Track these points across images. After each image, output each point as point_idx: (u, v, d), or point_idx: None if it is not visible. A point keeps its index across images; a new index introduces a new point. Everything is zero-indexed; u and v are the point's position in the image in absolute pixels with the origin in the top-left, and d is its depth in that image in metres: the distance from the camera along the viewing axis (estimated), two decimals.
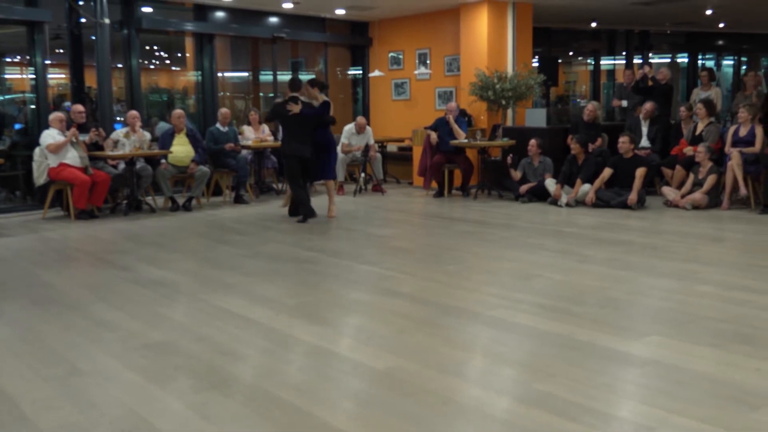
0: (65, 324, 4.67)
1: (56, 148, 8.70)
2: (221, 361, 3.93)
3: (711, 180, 8.97)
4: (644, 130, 10.38)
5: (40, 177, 8.90)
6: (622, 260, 6.25)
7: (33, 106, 10.10)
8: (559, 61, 16.02)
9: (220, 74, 12.63)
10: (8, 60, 11.55)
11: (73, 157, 8.81)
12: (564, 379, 3.57)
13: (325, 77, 13.57)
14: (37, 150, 8.90)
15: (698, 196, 8.96)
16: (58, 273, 6.20)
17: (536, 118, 10.93)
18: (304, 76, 13.92)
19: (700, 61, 18.20)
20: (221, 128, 10.33)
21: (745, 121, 9.22)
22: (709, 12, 13.42)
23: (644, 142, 10.29)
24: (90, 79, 10.73)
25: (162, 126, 10.82)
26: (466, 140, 10.49)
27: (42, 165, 8.84)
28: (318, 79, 9.15)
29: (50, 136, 8.80)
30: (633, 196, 8.98)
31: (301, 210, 8.59)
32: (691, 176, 9.21)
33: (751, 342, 4.07)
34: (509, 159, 10.13)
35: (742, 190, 8.80)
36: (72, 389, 3.57)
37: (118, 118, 10.80)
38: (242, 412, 3.28)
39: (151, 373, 3.78)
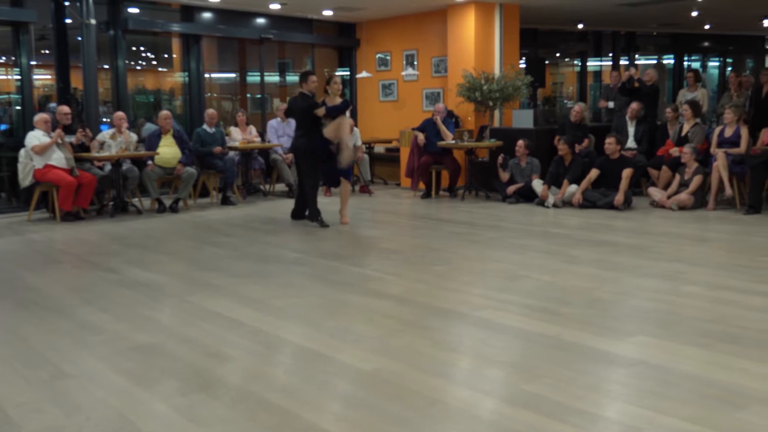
0: (50, 327, 4.64)
1: (41, 149, 8.65)
2: (208, 363, 3.91)
3: (697, 181, 9.01)
4: (631, 130, 10.44)
5: (25, 179, 8.84)
6: (609, 261, 6.27)
7: (18, 108, 10.04)
8: (546, 62, 16.09)
9: (207, 75, 12.59)
10: None
11: (58, 158, 8.75)
12: (551, 380, 3.57)
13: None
14: (22, 151, 8.84)
15: (684, 196, 9.00)
16: (43, 275, 6.16)
17: (523, 119, 10.96)
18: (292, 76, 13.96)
19: (686, 63, 18.30)
20: (208, 129, 10.29)
21: (730, 122, 9.27)
22: (694, 14, 13.50)
23: (631, 142, 10.34)
24: (76, 80, 10.67)
25: (148, 127, 10.78)
26: (453, 141, 10.50)
27: (27, 166, 8.79)
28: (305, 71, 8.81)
29: (35, 137, 8.74)
30: (619, 197, 9.02)
31: (311, 212, 8.32)
32: (677, 177, 9.26)
33: (737, 342, 4.09)
34: (500, 159, 10.15)
35: (728, 191, 8.86)
36: (57, 392, 3.54)
37: (104, 120, 10.74)
38: (229, 414, 3.27)
39: (138, 375, 3.76)
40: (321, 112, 8.07)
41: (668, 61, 18.26)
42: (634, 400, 3.35)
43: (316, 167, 8.32)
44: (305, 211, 8.47)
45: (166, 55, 13.78)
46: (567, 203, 9.43)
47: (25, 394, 3.53)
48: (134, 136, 9.65)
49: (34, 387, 3.62)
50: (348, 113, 8.40)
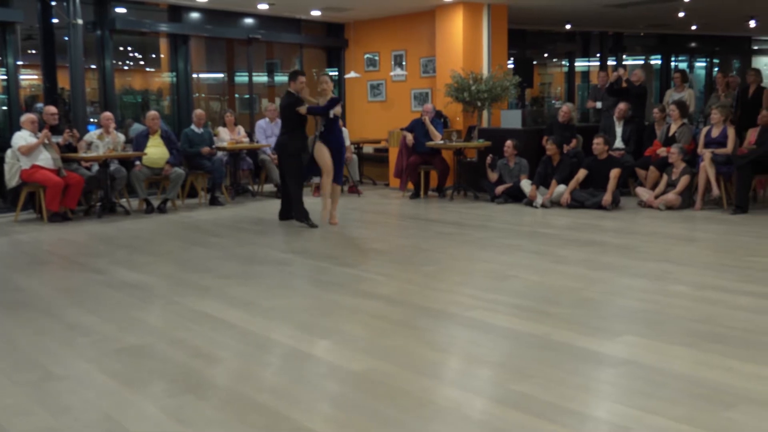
0: (38, 328, 4.62)
1: (28, 149, 8.60)
2: (197, 365, 3.90)
3: (684, 181, 9.06)
4: (618, 131, 10.47)
5: (11, 179, 8.78)
6: (597, 261, 6.29)
7: (5, 108, 9.98)
8: (534, 62, 16.13)
9: (195, 75, 12.56)
10: None
11: (45, 158, 8.71)
12: (540, 380, 3.58)
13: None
14: (8, 152, 8.79)
15: (671, 196, 9.04)
16: (31, 276, 6.12)
17: (512, 119, 10.99)
18: (280, 76, 13.94)
19: (673, 63, 18.40)
20: (196, 130, 10.26)
21: (717, 123, 9.32)
22: (681, 14, 13.57)
23: (618, 143, 10.38)
24: (63, 80, 10.62)
25: (136, 127, 10.73)
26: (442, 141, 10.51)
27: (14, 167, 8.73)
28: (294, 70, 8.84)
29: (22, 137, 8.69)
30: (607, 197, 9.05)
31: (298, 212, 8.22)
32: (665, 177, 9.30)
33: (724, 341, 4.11)
34: (489, 159, 10.17)
35: (715, 191, 8.91)
36: (45, 394, 3.52)
37: (91, 120, 10.69)
38: (218, 415, 3.26)
39: (126, 377, 3.74)
40: (303, 110, 8.05)
41: (655, 61, 18.36)
42: (623, 399, 3.36)
43: (300, 166, 8.29)
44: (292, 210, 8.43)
45: (153, 55, 13.72)
46: (555, 203, 9.45)
47: (12, 396, 3.51)
48: (122, 137, 9.62)
49: (22, 388, 3.60)
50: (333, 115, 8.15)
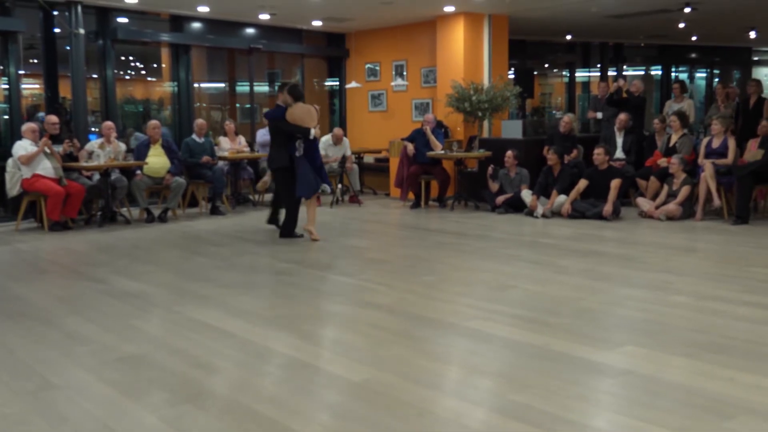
0: (37, 337, 4.61)
1: (28, 159, 8.61)
2: (196, 374, 3.89)
3: (685, 191, 9.06)
4: (619, 141, 10.49)
5: (12, 188, 8.79)
6: (597, 271, 6.29)
7: (6, 117, 10.00)
8: (535, 73, 16.18)
9: (196, 85, 12.58)
10: None
11: (46, 168, 8.72)
12: (540, 390, 3.57)
13: (302, 88, 13.56)
14: (10, 161, 8.80)
15: (672, 207, 9.04)
16: (30, 285, 6.12)
17: (512, 129, 11.00)
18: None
19: (673, 74, 18.43)
20: (197, 139, 10.27)
21: (718, 133, 9.33)
22: (681, 25, 13.61)
23: (619, 153, 10.39)
24: (64, 90, 10.64)
25: (137, 137, 10.75)
26: (442, 151, 10.52)
27: (15, 176, 8.74)
28: (287, 83, 8.44)
29: (22, 147, 8.70)
30: (608, 207, 9.05)
31: (288, 228, 8.09)
32: (665, 187, 9.30)
33: (724, 351, 4.11)
34: (490, 169, 10.18)
35: (716, 202, 8.91)
36: (43, 403, 3.52)
37: (92, 129, 10.71)
38: (217, 425, 3.25)
39: (125, 386, 3.73)
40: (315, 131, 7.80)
41: (656, 72, 18.39)
42: (623, 409, 3.36)
43: (290, 182, 7.90)
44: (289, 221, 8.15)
45: (155, 65, 13.75)
46: (556, 213, 9.45)
47: (11, 405, 3.50)
48: (123, 146, 9.63)
49: (21, 398, 3.59)
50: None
